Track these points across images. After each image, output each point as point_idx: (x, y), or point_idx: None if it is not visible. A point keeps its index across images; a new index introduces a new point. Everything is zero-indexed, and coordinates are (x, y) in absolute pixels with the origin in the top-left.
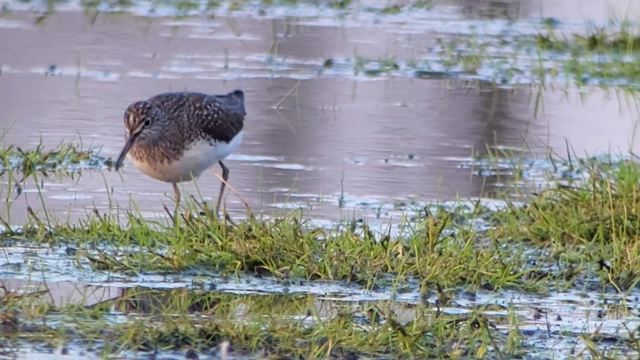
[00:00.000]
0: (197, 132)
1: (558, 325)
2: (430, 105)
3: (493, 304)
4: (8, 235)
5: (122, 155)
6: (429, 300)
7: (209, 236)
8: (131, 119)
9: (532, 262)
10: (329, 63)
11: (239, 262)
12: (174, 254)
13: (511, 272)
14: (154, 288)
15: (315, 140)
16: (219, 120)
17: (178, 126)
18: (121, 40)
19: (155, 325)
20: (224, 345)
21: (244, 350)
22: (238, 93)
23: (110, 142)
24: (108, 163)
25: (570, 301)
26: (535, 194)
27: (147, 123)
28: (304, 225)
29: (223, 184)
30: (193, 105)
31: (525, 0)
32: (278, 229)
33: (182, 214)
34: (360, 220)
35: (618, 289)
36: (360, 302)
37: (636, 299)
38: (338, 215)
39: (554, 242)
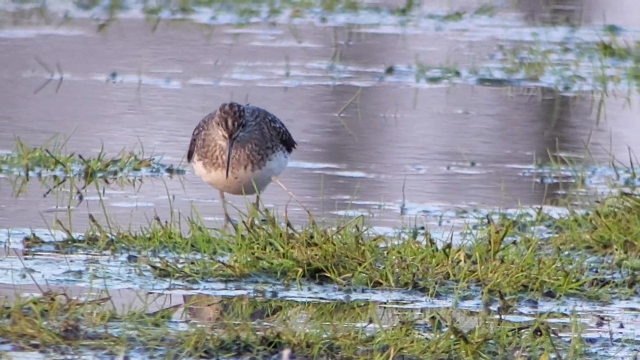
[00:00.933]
0: (277, 142)
1: (620, 332)
2: (492, 112)
3: (555, 311)
4: (70, 242)
5: (229, 162)
6: (491, 307)
7: (271, 243)
8: (230, 122)
9: (594, 270)
10: (390, 70)
11: (300, 270)
12: (236, 261)
13: (573, 280)
14: (215, 295)
15: (377, 147)
16: (287, 134)
17: (262, 134)
18: (182, 48)
19: (217, 332)
20: (286, 352)
21: (305, 357)
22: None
23: (172, 149)
24: (169, 170)
25: (632, 309)
26: (597, 202)
27: (243, 126)
28: (365, 232)
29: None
30: (266, 117)
31: (588, 7)
32: (340, 237)
33: (243, 221)
34: (422, 228)
35: None
36: (422, 310)
37: None
38: (400, 223)
39: (616, 249)
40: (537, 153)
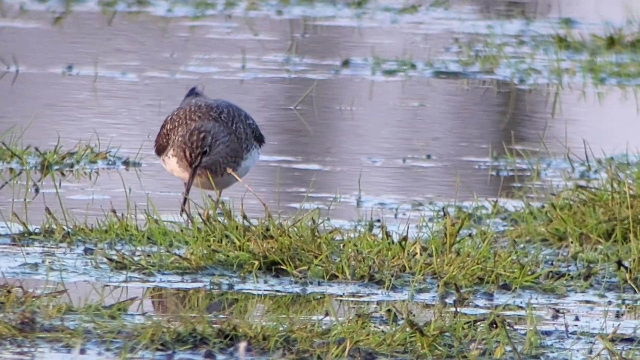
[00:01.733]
0: (252, 141)
1: (576, 325)
2: (448, 105)
3: (511, 304)
4: (26, 235)
5: (187, 191)
6: (447, 300)
7: (227, 236)
8: (187, 154)
9: (549, 263)
10: (346, 63)
11: (256, 262)
12: (192, 254)
13: (529, 273)
14: (171, 288)
15: (333, 140)
16: (258, 130)
17: (238, 139)
18: (139, 40)
19: (173, 325)
20: (242, 345)
21: (261, 350)
22: (193, 91)
23: (128, 142)
24: (126, 163)
25: (588, 301)
26: (553, 194)
27: (205, 153)
28: (321, 225)
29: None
30: (241, 115)
31: (543, 0)
32: (296, 229)
33: (199, 214)
34: (378, 220)
35: (636, 289)
36: (378, 303)
37: None
38: (356, 215)
39: (571, 242)
40: (493, 146)
